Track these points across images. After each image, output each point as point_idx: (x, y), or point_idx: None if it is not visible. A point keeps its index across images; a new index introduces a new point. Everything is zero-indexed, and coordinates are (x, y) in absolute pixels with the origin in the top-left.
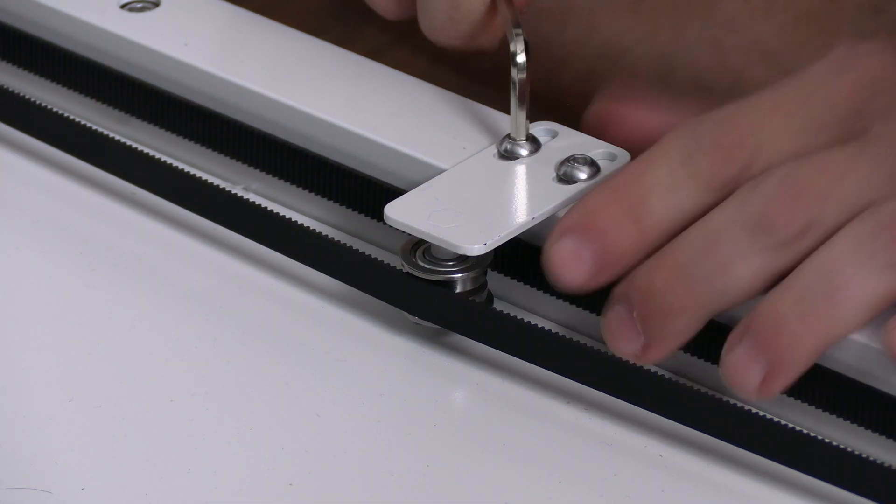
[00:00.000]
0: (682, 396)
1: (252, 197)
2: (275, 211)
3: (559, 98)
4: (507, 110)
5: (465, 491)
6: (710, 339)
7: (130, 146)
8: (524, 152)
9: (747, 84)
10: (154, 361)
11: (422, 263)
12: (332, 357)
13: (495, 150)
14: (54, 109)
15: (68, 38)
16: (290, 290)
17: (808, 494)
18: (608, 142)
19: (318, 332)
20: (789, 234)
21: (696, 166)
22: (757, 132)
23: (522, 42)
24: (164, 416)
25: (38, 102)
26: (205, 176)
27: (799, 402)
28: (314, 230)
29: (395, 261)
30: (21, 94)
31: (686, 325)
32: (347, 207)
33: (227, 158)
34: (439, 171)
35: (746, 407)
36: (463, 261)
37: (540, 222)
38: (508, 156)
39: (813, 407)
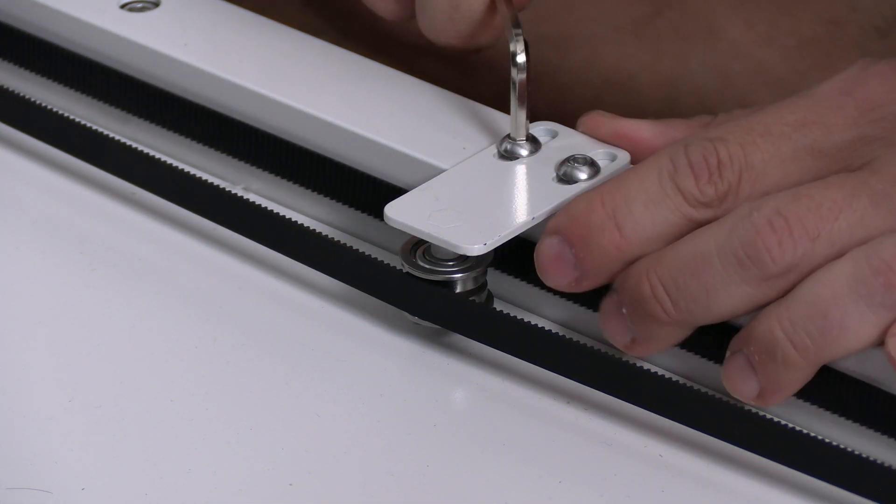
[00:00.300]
0: (682, 396)
1: (252, 197)
2: (275, 211)
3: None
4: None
5: (465, 491)
6: (713, 339)
7: (130, 146)
8: (524, 152)
9: None
10: (154, 361)
11: (422, 263)
12: (332, 357)
13: (495, 150)
14: (54, 109)
15: (68, 38)
16: (290, 290)
17: (808, 494)
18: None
19: (318, 332)
20: (776, 270)
21: (682, 181)
22: (748, 154)
23: (522, 42)
24: (164, 416)
25: (38, 102)
26: (205, 176)
27: (800, 401)
28: (314, 230)
29: (395, 261)
30: (21, 94)
31: (670, 334)
32: (347, 206)
33: (228, 158)
34: (439, 171)
35: (746, 407)
36: (463, 261)
37: (540, 222)
38: (508, 156)
39: (815, 406)
